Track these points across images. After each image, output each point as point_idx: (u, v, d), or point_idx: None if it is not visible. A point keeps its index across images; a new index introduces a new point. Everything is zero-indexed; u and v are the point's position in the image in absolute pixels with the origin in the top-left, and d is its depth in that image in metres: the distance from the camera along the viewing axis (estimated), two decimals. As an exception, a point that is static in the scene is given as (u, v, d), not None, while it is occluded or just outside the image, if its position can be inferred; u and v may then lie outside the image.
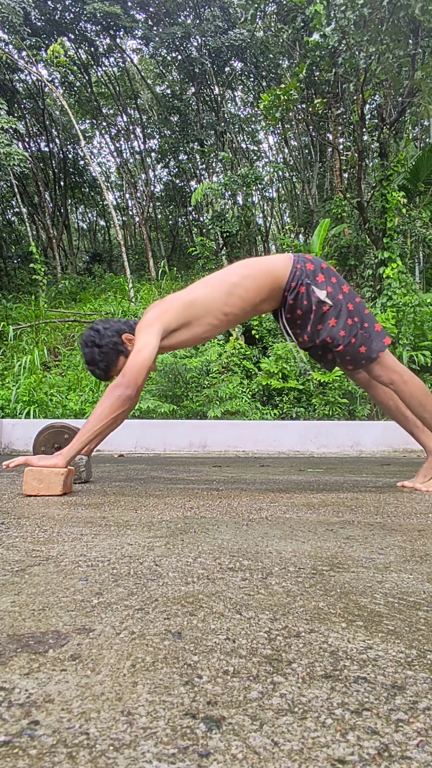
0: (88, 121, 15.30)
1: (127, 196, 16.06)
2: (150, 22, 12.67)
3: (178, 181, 15.30)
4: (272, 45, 11.07)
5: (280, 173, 14.25)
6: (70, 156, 14.86)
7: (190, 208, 14.78)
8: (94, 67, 13.85)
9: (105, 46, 13.10)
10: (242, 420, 5.47)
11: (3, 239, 13.45)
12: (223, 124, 13.19)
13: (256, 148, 15.70)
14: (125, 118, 14.31)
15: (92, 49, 13.00)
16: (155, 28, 12.53)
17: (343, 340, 1.94)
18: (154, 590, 0.73)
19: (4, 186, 11.64)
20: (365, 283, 7.79)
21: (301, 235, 12.11)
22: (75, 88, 13.95)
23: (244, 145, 15.15)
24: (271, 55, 11.91)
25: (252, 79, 14.01)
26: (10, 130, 9.99)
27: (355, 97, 7.44)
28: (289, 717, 0.42)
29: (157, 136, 14.59)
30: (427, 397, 2.01)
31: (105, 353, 1.99)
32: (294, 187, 15.41)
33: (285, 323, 2.03)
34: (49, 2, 11.53)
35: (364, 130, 7.95)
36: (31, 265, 8.88)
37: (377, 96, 7.55)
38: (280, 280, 1.96)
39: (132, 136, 14.43)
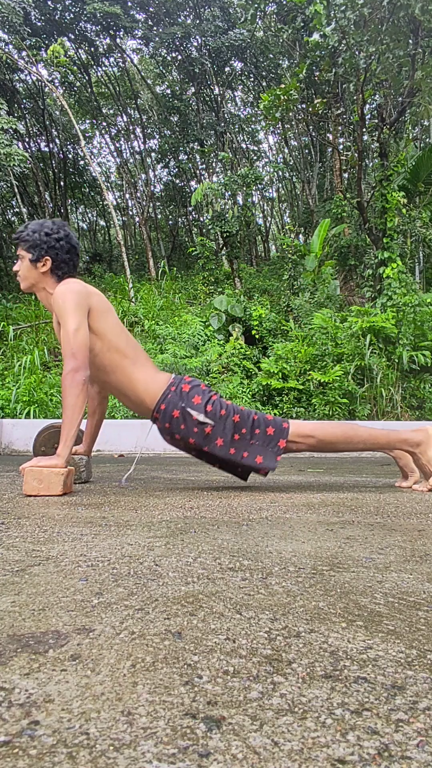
0: (88, 121, 15.31)
1: (127, 196, 16.06)
2: (150, 22, 12.67)
3: (178, 181, 15.30)
4: (272, 45, 11.08)
5: (280, 173, 14.25)
6: (70, 156, 14.86)
7: (190, 208, 14.78)
8: (94, 67, 13.86)
9: (105, 46, 13.11)
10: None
11: (3, 239, 13.45)
12: (223, 124, 13.19)
13: (256, 148, 15.71)
14: (125, 118, 14.32)
15: (92, 49, 13.00)
16: (155, 28, 12.53)
17: (235, 457, 1.88)
18: (154, 590, 0.73)
19: (4, 186, 11.63)
20: (365, 283, 7.80)
21: (301, 235, 12.11)
22: (75, 88, 13.95)
23: (244, 145, 15.15)
24: (271, 55, 11.92)
25: (252, 79, 14.02)
26: (10, 131, 9.99)
27: (355, 97, 7.45)
28: (289, 717, 0.42)
29: (157, 136, 14.59)
30: (347, 433, 1.92)
31: (36, 242, 1.93)
32: (294, 187, 15.42)
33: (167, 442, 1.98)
34: (49, 2, 11.53)
35: (364, 130, 7.95)
36: (31, 265, 8.87)
37: (377, 96, 7.55)
38: (150, 395, 1.91)
39: (132, 136, 14.43)
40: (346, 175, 11.53)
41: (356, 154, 7.68)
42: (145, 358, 1.99)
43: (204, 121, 13.17)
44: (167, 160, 14.60)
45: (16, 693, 0.45)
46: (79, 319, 1.82)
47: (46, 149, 14.45)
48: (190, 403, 1.88)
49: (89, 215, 18.76)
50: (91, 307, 1.88)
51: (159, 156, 14.79)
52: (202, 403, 1.88)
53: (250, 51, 12.02)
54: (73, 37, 12.52)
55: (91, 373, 1.98)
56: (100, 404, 2.25)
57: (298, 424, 1.94)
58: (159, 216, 16.38)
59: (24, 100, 13.13)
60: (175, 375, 2.00)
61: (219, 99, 13.49)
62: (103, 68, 14.01)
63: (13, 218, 14.87)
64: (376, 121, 7.66)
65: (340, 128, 10.70)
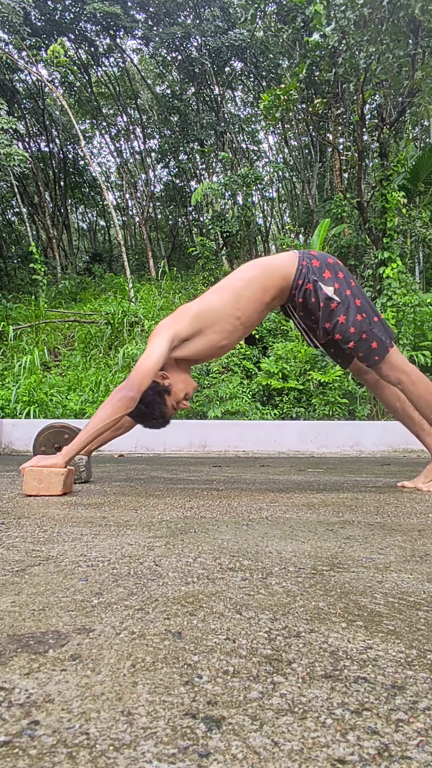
0: (88, 121, 15.30)
1: (127, 196, 16.05)
2: (150, 22, 12.66)
3: (178, 181, 15.29)
4: (272, 45, 11.07)
5: (280, 173, 14.24)
6: (70, 156, 14.85)
7: (190, 208, 14.76)
8: (94, 67, 13.85)
9: (105, 46, 13.10)
10: (242, 420, 5.47)
11: (3, 239, 13.45)
12: (223, 124, 13.19)
13: (256, 148, 15.69)
14: (125, 118, 14.31)
15: (92, 49, 12.99)
16: (155, 28, 12.52)
17: (353, 337, 1.93)
18: (154, 590, 0.73)
19: (4, 186, 11.63)
20: (365, 283, 7.79)
21: (301, 235, 12.10)
22: (75, 88, 13.94)
23: (244, 145, 15.14)
24: (271, 55, 11.91)
25: (252, 79, 14.01)
26: (10, 131, 9.99)
27: (355, 97, 7.45)
28: (289, 717, 0.42)
29: (157, 136, 14.58)
30: None
31: (149, 404, 1.93)
32: (294, 187, 15.40)
33: (299, 321, 2.03)
34: (49, 2, 11.52)
35: (364, 130, 7.94)
36: (31, 265, 8.88)
37: (377, 96, 7.54)
38: (287, 278, 1.95)
39: (132, 136, 14.42)
40: (346, 175, 11.52)
41: (356, 154, 7.68)
42: (251, 267, 2.02)
43: (204, 121, 13.16)
44: (167, 160, 14.58)
45: (16, 693, 0.45)
46: (155, 346, 1.83)
47: (46, 149, 14.44)
48: (322, 277, 1.93)
49: (89, 215, 18.74)
50: (178, 332, 1.87)
51: (159, 156, 14.77)
52: (331, 278, 1.93)
53: (250, 51, 12.01)
54: (73, 37, 12.51)
55: (249, 330, 2.00)
56: (130, 426, 2.23)
57: (401, 354, 2.02)
58: (159, 216, 16.37)
59: (24, 100, 13.13)
60: (298, 250, 2.03)
61: (219, 99, 13.49)
62: (103, 68, 14.00)
63: (13, 218, 14.87)
64: (376, 121, 7.65)
65: (340, 128, 10.69)
